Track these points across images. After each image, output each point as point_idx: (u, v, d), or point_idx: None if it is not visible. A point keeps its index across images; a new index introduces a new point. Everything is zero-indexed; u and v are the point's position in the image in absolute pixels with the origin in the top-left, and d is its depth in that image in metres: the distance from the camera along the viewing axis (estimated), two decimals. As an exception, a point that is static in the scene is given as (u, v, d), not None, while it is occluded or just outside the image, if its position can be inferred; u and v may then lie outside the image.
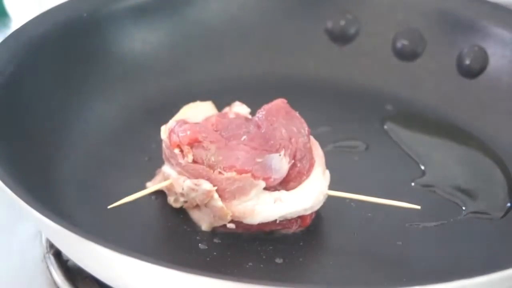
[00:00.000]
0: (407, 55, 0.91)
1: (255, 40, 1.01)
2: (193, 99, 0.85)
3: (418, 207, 0.77)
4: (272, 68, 1.00)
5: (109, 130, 0.89)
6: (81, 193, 0.80)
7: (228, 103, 0.83)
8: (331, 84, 0.96)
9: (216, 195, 0.73)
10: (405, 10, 0.98)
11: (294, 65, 1.01)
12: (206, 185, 0.73)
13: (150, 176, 0.82)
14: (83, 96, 0.90)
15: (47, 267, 0.77)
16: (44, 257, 0.77)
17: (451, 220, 0.80)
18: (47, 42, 0.88)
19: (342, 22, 1.00)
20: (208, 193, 0.73)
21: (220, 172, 0.73)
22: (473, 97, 0.92)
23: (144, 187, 0.80)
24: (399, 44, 0.97)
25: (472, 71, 0.92)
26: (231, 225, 0.75)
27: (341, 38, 0.99)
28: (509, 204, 0.81)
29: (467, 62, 0.92)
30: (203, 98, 0.85)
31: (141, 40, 0.96)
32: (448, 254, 0.76)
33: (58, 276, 0.76)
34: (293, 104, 0.80)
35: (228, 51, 1.00)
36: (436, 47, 0.96)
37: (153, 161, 0.83)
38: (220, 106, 0.84)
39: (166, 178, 0.78)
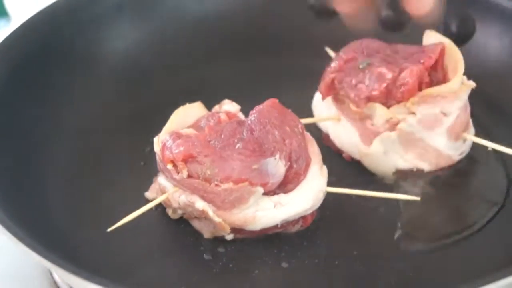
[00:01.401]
0: (393, 26, 0.89)
1: (241, 32, 1.00)
2: (182, 98, 0.83)
3: (418, 198, 0.77)
4: (261, 58, 0.99)
5: (100, 136, 0.89)
6: (80, 210, 0.80)
7: (218, 101, 0.82)
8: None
9: (211, 213, 0.73)
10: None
11: (282, 49, 1.00)
12: (199, 204, 0.73)
13: (148, 181, 0.81)
14: (69, 100, 0.90)
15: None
16: None
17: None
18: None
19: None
20: (202, 212, 0.73)
21: (217, 185, 0.73)
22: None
23: (142, 196, 0.79)
24: (384, 15, 0.94)
25: (460, 39, 0.89)
26: (230, 237, 0.75)
27: (325, 13, 0.97)
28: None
29: (454, 29, 0.90)
30: (192, 96, 0.84)
31: (125, 41, 0.96)
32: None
33: (58, 276, 0.76)
34: (286, 91, 0.79)
35: (214, 47, 0.99)
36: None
37: (148, 166, 0.82)
38: (209, 104, 0.83)
39: (162, 189, 0.78)
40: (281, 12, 1.01)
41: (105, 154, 0.86)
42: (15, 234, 0.67)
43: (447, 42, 0.84)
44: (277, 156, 0.74)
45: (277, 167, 0.74)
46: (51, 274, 0.77)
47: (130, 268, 0.74)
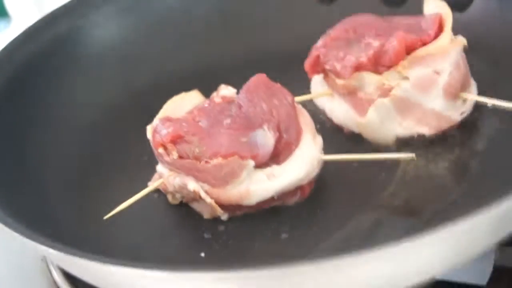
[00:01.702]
0: (395, 2, 0.88)
1: (238, 16, 1.00)
2: (179, 88, 0.84)
3: (412, 154, 0.75)
4: (259, 42, 0.99)
5: (103, 131, 0.90)
6: (83, 199, 0.81)
7: (215, 87, 0.82)
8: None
9: (203, 193, 0.73)
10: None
11: (282, 34, 0.99)
12: (191, 185, 0.73)
13: (152, 174, 0.81)
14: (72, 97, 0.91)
15: (47, 267, 0.78)
16: (44, 257, 0.78)
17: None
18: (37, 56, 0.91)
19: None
20: (195, 192, 0.73)
21: (206, 162, 0.73)
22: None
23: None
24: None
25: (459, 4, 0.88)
26: (225, 217, 0.75)
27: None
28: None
29: None
30: (190, 85, 0.85)
31: (118, 33, 0.97)
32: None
33: (58, 276, 0.77)
34: (282, 75, 0.79)
35: (209, 33, 0.99)
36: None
37: (152, 159, 0.82)
38: (208, 92, 0.83)
39: (160, 176, 0.78)
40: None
41: (108, 149, 0.87)
42: (15, 229, 0.67)
43: (446, 9, 0.83)
44: (265, 127, 0.73)
45: (266, 138, 0.73)
46: (51, 274, 0.77)
47: (130, 251, 0.74)
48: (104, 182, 0.83)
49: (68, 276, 0.75)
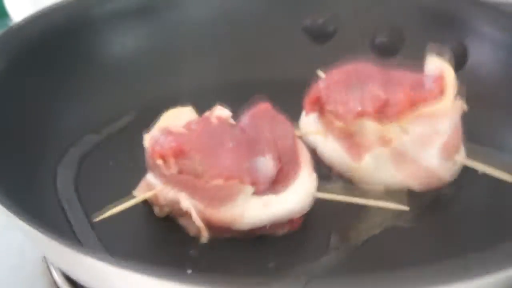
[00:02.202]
0: (386, 52, 0.91)
1: (235, 42, 1.00)
2: (174, 103, 0.83)
3: (407, 208, 0.77)
4: (253, 70, 1.00)
5: (91, 136, 0.89)
6: (69, 204, 0.79)
7: (209, 107, 0.82)
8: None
9: (194, 214, 0.73)
10: (384, 6, 0.98)
11: (274, 66, 1.00)
12: (184, 203, 0.73)
13: (137, 182, 0.80)
14: (67, 100, 0.90)
15: (47, 267, 0.76)
16: (44, 257, 0.77)
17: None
18: (32, 47, 0.89)
19: (321, 20, 1.00)
20: (187, 212, 0.73)
21: (206, 181, 0.72)
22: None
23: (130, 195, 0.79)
24: (378, 41, 0.97)
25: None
26: (204, 240, 0.74)
27: (320, 36, 0.99)
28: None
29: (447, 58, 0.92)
30: (184, 102, 0.84)
31: (121, 44, 0.96)
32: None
33: (58, 276, 0.75)
34: (276, 105, 0.80)
35: (208, 55, 0.99)
36: (415, 44, 0.96)
37: (138, 168, 0.81)
38: (201, 110, 0.83)
39: (150, 187, 0.77)
40: (275, 31, 1.02)
41: (94, 156, 0.87)
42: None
43: (447, 68, 0.85)
44: (269, 156, 0.74)
45: (268, 166, 0.74)
46: (51, 274, 0.76)
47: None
48: (90, 183, 0.83)
49: (68, 276, 0.74)
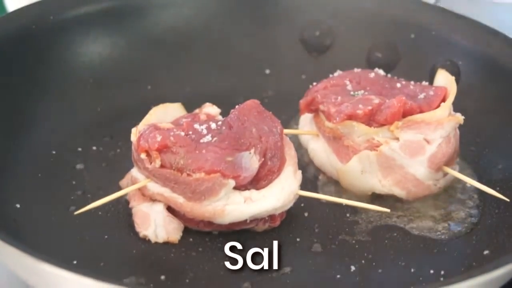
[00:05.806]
0: (381, 68, 0.92)
1: (228, 50, 1.01)
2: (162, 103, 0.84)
3: (388, 210, 0.77)
4: (245, 80, 1.00)
5: (75, 136, 0.89)
6: (43, 197, 0.81)
7: (198, 106, 0.83)
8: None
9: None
10: (380, 24, 0.98)
11: (269, 75, 1.01)
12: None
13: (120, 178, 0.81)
14: (50, 98, 0.91)
15: None
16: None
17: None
18: (11, 45, 0.89)
19: (317, 33, 1.01)
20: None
21: (188, 174, 0.72)
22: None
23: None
24: (373, 57, 0.98)
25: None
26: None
27: (316, 48, 1.00)
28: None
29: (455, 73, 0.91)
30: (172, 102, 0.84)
31: (109, 45, 0.97)
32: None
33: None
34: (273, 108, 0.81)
35: (203, 62, 1.00)
36: (409, 61, 0.97)
37: (121, 163, 0.84)
38: (189, 110, 0.84)
39: (133, 180, 0.77)
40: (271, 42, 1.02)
41: (81, 148, 0.88)
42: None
43: (453, 85, 0.85)
44: (252, 151, 0.74)
45: (251, 161, 0.74)
46: None
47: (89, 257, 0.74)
48: (76, 177, 0.84)
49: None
